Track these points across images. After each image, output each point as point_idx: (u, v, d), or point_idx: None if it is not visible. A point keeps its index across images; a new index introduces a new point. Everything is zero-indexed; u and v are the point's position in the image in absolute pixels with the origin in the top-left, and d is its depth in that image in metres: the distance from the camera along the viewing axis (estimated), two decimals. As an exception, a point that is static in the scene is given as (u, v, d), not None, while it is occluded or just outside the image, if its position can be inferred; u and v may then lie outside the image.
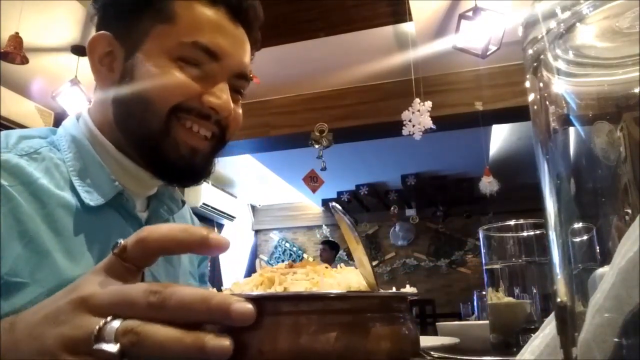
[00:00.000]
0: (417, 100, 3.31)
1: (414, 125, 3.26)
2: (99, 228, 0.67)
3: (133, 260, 0.37)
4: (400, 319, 0.37)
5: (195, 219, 0.99)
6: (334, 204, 0.41)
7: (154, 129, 0.69)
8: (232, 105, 0.73)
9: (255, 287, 0.39)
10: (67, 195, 0.66)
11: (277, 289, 0.37)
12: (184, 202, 0.87)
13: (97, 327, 0.33)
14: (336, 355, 0.32)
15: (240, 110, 0.78)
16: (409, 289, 0.43)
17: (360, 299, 0.35)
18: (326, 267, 0.39)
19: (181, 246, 0.37)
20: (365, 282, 0.37)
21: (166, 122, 0.69)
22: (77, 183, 0.68)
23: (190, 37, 0.69)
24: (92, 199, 0.68)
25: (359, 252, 0.38)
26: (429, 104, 3.27)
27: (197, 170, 0.75)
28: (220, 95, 0.71)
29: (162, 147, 0.70)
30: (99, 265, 0.38)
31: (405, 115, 3.30)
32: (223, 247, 0.36)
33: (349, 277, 0.37)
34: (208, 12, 0.70)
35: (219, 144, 0.76)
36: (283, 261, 0.80)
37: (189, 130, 0.71)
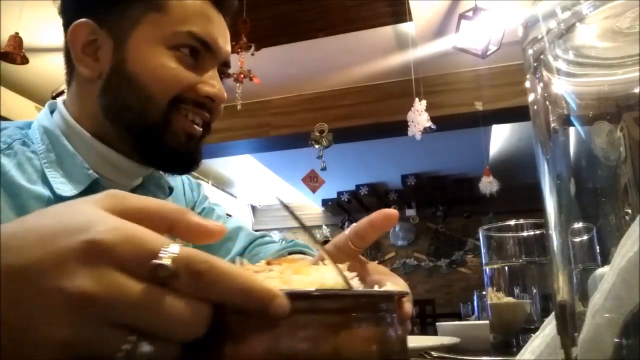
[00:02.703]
0: (417, 99, 3.32)
1: (415, 126, 3.27)
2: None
3: (174, 283, 0.28)
4: (378, 320, 0.34)
5: (186, 184, 0.97)
6: (278, 196, 0.39)
7: (153, 121, 0.69)
8: (225, 92, 0.74)
9: None
10: (40, 188, 0.66)
11: None
12: (171, 189, 0.86)
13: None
14: (305, 358, 0.30)
15: None
16: (390, 287, 0.40)
17: (324, 297, 0.32)
18: (306, 265, 0.38)
19: (238, 301, 0.30)
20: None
21: (166, 113, 0.69)
22: (50, 175, 0.67)
23: (184, 27, 0.69)
24: (66, 189, 0.67)
25: (321, 251, 0.37)
26: (424, 102, 3.28)
27: (193, 156, 0.75)
28: (214, 84, 0.72)
29: (162, 137, 0.70)
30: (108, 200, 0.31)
31: (410, 116, 3.31)
32: (284, 314, 0.29)
33: (325, 276, 0.35)
34: (197, 2, 0.72)
35: (207, 130, 0.77)
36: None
37: (185, 118, 0.71)
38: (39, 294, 0.26)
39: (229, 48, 0.77)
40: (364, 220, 0.49)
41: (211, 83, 0.72)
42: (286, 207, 0.37)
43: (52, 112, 0.76)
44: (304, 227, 0.38)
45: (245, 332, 0.31)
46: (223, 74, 0.79)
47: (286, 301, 0.29)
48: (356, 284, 0.37)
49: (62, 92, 3.59)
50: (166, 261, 0.27)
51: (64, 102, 0.76)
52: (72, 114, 0.73)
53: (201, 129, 0.74)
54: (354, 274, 0.40)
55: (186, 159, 0.74)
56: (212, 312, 0.29)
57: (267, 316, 0.29)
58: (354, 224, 0.49)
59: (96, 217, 0.29)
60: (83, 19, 0.70)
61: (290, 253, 0.83)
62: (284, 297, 0.29)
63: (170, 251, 0.28)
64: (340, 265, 0.39)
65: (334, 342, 0.31)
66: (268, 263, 0.39)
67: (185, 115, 0.71)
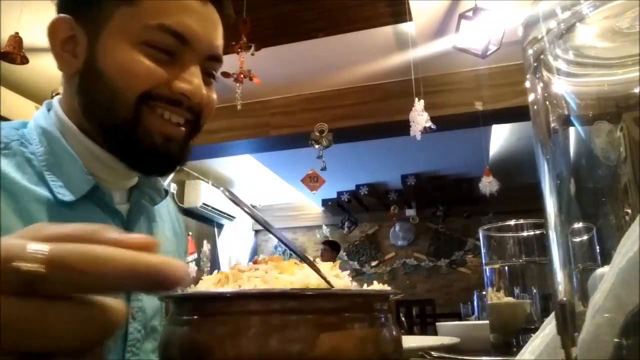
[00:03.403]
0: (417, 99, 3.32)
1: (416, 126, 3.27)
2: (76, 223, 0.61)
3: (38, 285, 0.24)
4: (361, 320, 0.33)
5: (177, 211, 0.96)
6: (222, 188, 0.36)
7: (122, 119, 0.66)
8: (204, 90, 0.70)
9: (213, 284, 0.38)
10: (41, 190, 0.64)
11: (230, 286, 0.36)
12: (166, 192, 0.84)
13: None
14: (285, 358, 0.30)
15: (214, 95, 0.75)
16: (377, 286, 0.39)
17: (301, 297, 0.31)
18: (295, 264, 0.38)
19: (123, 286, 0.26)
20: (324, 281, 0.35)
21: (135, 111, 0.66)
22: (49, 178, 0.65)
23: (155, 20, 0.65)
24: (66, 194, 0.65)
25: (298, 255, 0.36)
26: (422, 102, 3.28)
27: (172, 158, 0.71)
28: (191, 80, 0.68)
29: (133, 136, 0.67)
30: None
31: (412, 116, 3.31)
32: (179, 284, 0.26)
33: (310, 275, 0.35)
34: None
35: (193, 130, 0.73)
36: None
37: (160, 117, 0.68)
38: None
39: (215, 41, 0.72)
40: None
41: (188, 79, 0.67)
42: (235, 202, 0.36)
43: (49, 111, 0.74)
44: (266, 228, 0.38)
45: (233, 334, 0.30)
46: (212, 69, 0.74)
47: (181, 268, 0.26)
48: (345, 284, 0.37)
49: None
50: (27, 265, 0.23)
51: (59, 100, 0.74)
52: (66, 113, 0.71)
53: (183, 129, 0.70)
54: (346, 272, 0.39)
55: (165, 160, 0.71)
56: (108, 306, 0.26)
57: (163, 289, 0.26)
58: None
59: None
60: (62, 15, 0.69)
61: None
62: (177, 265, 0.26)
63: (34, 251, 0.24)
64: (325, 264, 0.38)
65: (309, 342, 0.30)
66: (255, 262, 0.39)
67: (161, 115, 0.67)
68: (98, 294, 0.26)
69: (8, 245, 0.24)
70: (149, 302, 0.74)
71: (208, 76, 0.73)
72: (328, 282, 0.35)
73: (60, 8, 0.70)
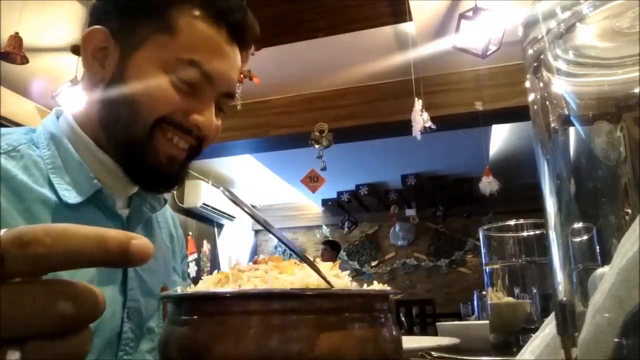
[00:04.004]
0: (416, 99, 3.32)
1: (416, 126, 3.26)
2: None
3: (8, 270, 0.24)
4: (360, 320, 0.33)
5: (175, 218, 0.99)
6: (222, 188, 0.37)
7: (137, 136, 0.70)
8: (214, 124, 0.75)
9: (213, 284, 0.38)
10: (46, 192, 0.66)
11: (230, 286, 0.36)
12: (166, 200, 0.88)
13: None
14: (283, 358, 0.30)
15: (219, 123, 0.80)
16: (377, 286, 0.39)
17: (301, 297, 0.31)
18: (295, 264, 0.38)
19: (89, 263, 0.26)
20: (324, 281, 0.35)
21: (150, 131, 0.70)
22: (55, 180, 0.68)
23: (188, 55, 0.70)
24: (71, 196, 0.68)
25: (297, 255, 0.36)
26: (420, 102, 3.28)
27: (173, 178, 0.76)
28: (206, 114, 0.73)
29: (142, 154, 0.71)
30: None
31: (413, 116, 3.31)
32: (145, 257, 0.26)
33: (310, 275, 0.35)
34: (209, 32, 0.71)
35: (194, 153, 0.78)
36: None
37: (169, 141, 0.72)
38: None
39: (234, 81, 0.77)
40: None
41: (203, 113, 0.73)
42: (235, 202, 0.37)
43: (58, 117, 0.77)
44: (266, 228, 0.38)
45: (232, 334, 0.30)
46: (225, 104, 0.79)
47: (146, 245, 0.26)
48: (345, 284, 0.37)
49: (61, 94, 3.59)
50: None
51: (70, 108, 0.77)
52: (77, 119, 0.75)
53: (185, 153, 0.75)
54: (346, 272, 0.39)
55: (165, 179, 0.75)
56: (83, 289, 0.25)
57: (127, 263, 0.26)
58: None
59: None
60: (98, 26, 0.72)
61: None
62: (143, 242, 0.26)
63: None
64: (325, 264, 0.39)
65: (309, 342, 0.30)
66: (255, 262, 0.39)
67: (171, 139, 0.72)
68: (68, 269, 0.25)
69: None
70: (146, 303, 0.75)
71: (219, 110, 0.78)
72: (328, 282, 0.35)
73: (96, 19, 0.74)
